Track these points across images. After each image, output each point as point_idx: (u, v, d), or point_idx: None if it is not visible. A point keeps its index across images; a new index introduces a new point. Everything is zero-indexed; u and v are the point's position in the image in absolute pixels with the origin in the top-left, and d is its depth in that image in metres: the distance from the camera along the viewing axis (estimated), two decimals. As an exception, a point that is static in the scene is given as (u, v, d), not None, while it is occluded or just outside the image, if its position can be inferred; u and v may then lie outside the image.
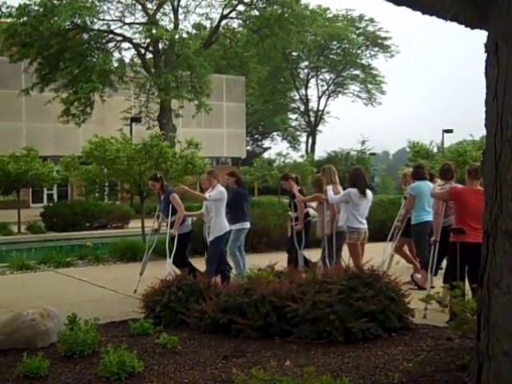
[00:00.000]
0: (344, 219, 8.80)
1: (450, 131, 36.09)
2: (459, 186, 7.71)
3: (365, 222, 8.90)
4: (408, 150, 29.12)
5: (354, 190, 8.71)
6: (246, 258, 10.13)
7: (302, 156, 50.95)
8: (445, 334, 6.00)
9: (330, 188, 8.99)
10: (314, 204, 9.98)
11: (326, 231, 9.16)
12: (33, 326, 6.05)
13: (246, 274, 9.68)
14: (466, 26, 4.72)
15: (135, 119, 31.68)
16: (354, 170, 9.11)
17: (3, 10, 29.12)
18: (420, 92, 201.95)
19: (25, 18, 28.60)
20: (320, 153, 58.88)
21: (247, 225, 9.98)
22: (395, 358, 5.39)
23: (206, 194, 9.23)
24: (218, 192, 9.15)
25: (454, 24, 4.68)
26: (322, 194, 9.34)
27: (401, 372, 4.93)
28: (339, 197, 8.89)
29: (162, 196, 9.39)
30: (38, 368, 5.06)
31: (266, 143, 72.77)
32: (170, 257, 8.97)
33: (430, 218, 9.03)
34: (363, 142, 55.86)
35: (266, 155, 62.02)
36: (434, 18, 4.70)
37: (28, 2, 29.07)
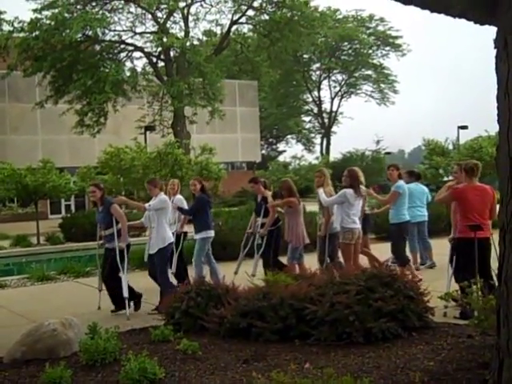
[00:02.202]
0: (339, 220, 8.79)
1: (465, 127, 35.84)
2: (460, 185, 7.70)
3: (358, 221, 8.90)
4: (423, 148, 29.01)
5: (349, 191, 8.69)
6: (218, 265, 10.01)
7: (316, 158, 51.00)
8: (465, 332, 5.97)
9: (321, 191, 8.95)
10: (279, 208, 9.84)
11: (319, 233, 9.14)
12: (54, 336, 6.10)
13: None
14: (475, 23, 4.71)
15: (149, 128, 31.86)
16: (349, 171, 9.04)
17: (15, 24, 29.47)
18: (434, 89, 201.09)
19: (37, 32, 28.89)
20: (335, 154, 58.71)
21: (212, 233, 9.74)
22: (416, 357, 5.37)
23: (146, 204, 8.83)
24: (160, 201, 8.62)
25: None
26: (293, 198, 9.26)
27: (422, 371, 4.91)
28: (335, 198, 8.87)
29: (99, 207, 8.68)
30: (60, 377, 5.10)
31: (281, 146, 72.90)
32: (123, 271, 8.40)
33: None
34: (378, 142, 55.58)
35: (281, 158, 62.18)
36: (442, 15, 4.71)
37: (39, 16, 29.38)
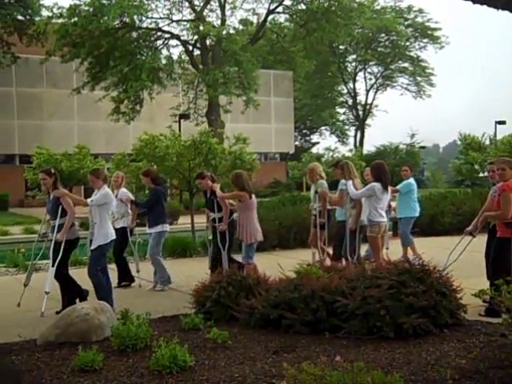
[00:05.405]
0: (366, 213, 8.74)
1: (503, 122, 35.23)
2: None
3: (385, 215, 8.86)
4: (459, 142, 28.59)
5: (377, 185, 8.62)
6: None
7: (350, 150, 50.66)
8: (498, 331, 5.87)
9: (350, 183, 8.86)
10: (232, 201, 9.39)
11: (350, 225, 9.00)
12: (87, 321, 6.18)
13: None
14: (519, 15, 4.60)
15: (184, 116, 31.99)
16: (378, 164, 8.89)
17: (54, 10, 29.87)
18: (471, 83, 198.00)
19: (75, 19, 29.20)
20: (368, 147, 58.49)
21: (167, 227, 9.52)
22: (447, 354, 5.31)
23: (88, 199, 8.20)
24: (103, 195, 7.95)
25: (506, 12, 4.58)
26: (243, 192, 8.81)
27: (453, 368, 4.85)
28: (363, 191, 8.80)
29: (51, 195, 8.01)
30: (92, 361, 5.18)
31: (315, 138, 72.63)
32: (53, 265, 7.98)
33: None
34: (412, 136, 55.03)
35: (314, 150, 61.97)
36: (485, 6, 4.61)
37: (78, 3, 29.68)
